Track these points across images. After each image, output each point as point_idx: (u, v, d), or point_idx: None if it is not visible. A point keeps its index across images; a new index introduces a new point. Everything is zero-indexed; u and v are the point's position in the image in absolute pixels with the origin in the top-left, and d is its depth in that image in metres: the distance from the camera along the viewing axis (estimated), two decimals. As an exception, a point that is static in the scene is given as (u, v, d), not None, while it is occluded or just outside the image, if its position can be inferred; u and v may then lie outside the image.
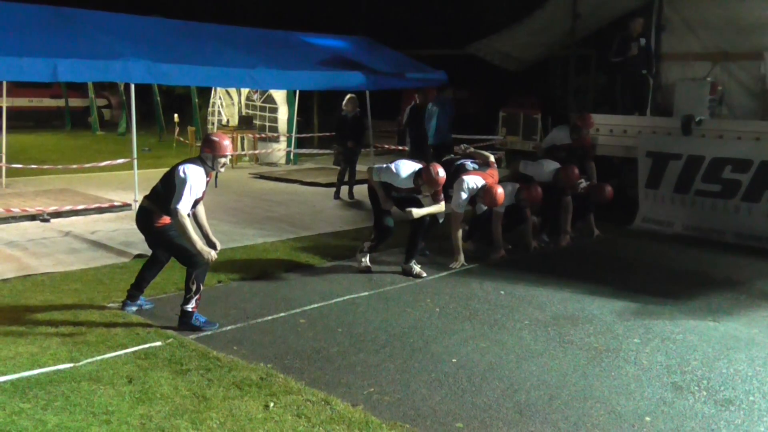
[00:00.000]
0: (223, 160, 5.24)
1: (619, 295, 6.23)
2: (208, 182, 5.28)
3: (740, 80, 10.65)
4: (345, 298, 6.04)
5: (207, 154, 5.20)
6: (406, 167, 6.67)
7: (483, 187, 7.04)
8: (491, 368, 4.63)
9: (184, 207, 5.02)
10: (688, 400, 4.20)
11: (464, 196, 7.03)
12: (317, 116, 18.08)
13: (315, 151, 15.70)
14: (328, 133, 15.34)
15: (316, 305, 5.82)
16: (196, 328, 5.13)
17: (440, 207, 6.75)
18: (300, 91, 14.67)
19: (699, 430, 3.86)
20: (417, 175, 6.61)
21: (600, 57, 12.53)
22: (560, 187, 8.03)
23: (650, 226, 9.08)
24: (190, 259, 5.15)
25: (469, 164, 7.42)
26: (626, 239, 8.68)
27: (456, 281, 6.65)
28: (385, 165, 6.81)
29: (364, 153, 11.92)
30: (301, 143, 15.94)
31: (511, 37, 12.42)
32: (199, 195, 5.20)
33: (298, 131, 15.62)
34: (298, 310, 5.67)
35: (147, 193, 5.37)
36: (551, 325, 5.45)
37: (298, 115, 15.43)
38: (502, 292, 6.27)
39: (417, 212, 6.61)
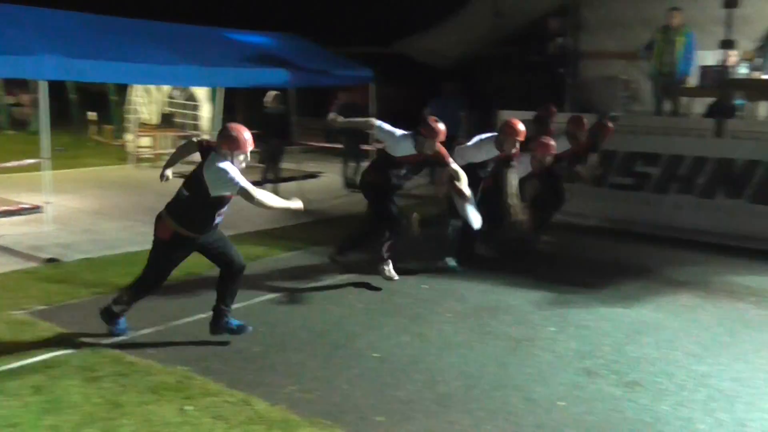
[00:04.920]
0: (242, 156, 4.66)
1: (536, 285, 6.39)
2: None
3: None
4: (267, 297, 5.99)
5: (224, 151, 4.61)
6: (399, 131, 6.13)
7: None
8: (413, 361, 4.68)
9: (250, 187, 4.56)
10: (598, 384, 4.37)
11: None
12: (242, 114, 17.80)
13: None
14: (253, 131, 15.13)
15: (237, 305, 5.66)
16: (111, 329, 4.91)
17: (461, 174, 6.07)
18: (224, 89, 14.43)
19: (608, 412, 4.01)
20: (415, 134, 6.03)
21: (521, 55, 12.83)
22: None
23: (568, 218, 9.34)
24: (145, 280, 4.85)
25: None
26: (544, 231, 8.90)
27: (379, 277, 6.67)
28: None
29: (289, 151, 11.83)
30: (225, 141, 15.66)
31: (437, 35, 12.60)
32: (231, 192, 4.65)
33: (223, 130, 15.34)
34: (219, 311, 5.58)
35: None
36: (471, 317, 5.56)
37: (221, 113, 15.17)
38: (425, 286, 6.34)
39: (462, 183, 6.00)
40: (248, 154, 4.70)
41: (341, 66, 12.10)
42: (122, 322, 5.02)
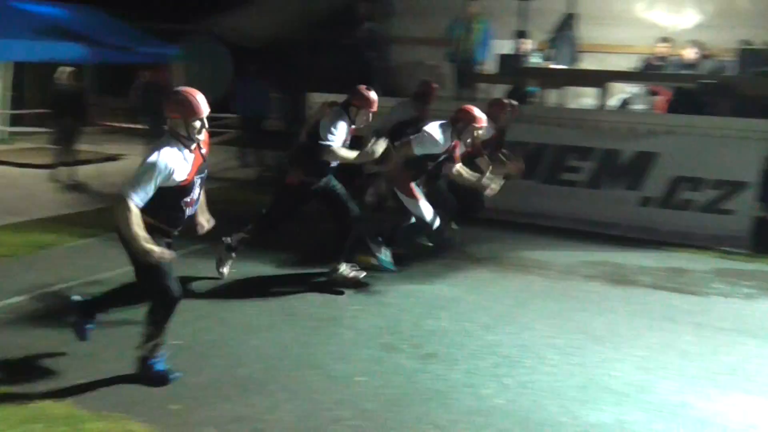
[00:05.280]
0: (198, 123, 3.90)
1: (342, 266, 6.46)
2: (197, 162, 3.99)
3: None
4: (57, 287, 5.52)
5: (176, 120, 3.89)
6: (335, 123, 5.57)
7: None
8: (213, 346, 4.57)
9: (134, 194, 3.74)
10: (396, 358, 4.52)
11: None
12: (33, 91, 16.30)
13: (30, 129, 14.14)
14: (45, 110, 13.94)
15: (19, 298, 5.25)
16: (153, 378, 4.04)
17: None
18: (12, 63, 13.13)
19: (404, 384, 4.17)
20: (346, 107, 5.62)
21: (330, 38, 12.93)
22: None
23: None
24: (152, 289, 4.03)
25: None
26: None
27: (184, 263, 6.40)
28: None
29: (86, 131, 11.00)
30: (13, 120, 14.28)
31: (246, 15, 12.31)
32: (183, 179, 3.91)
33: (11, 107, 13.98)
34: (-3, 305, 5.07)
35: None
36: (276, 300, 5.52)
37: (10, 90, 13.79)
38: (233, 270, 6.17)
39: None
40: (205, 120, 3.96)
41: (144, 42, 11.49)
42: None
